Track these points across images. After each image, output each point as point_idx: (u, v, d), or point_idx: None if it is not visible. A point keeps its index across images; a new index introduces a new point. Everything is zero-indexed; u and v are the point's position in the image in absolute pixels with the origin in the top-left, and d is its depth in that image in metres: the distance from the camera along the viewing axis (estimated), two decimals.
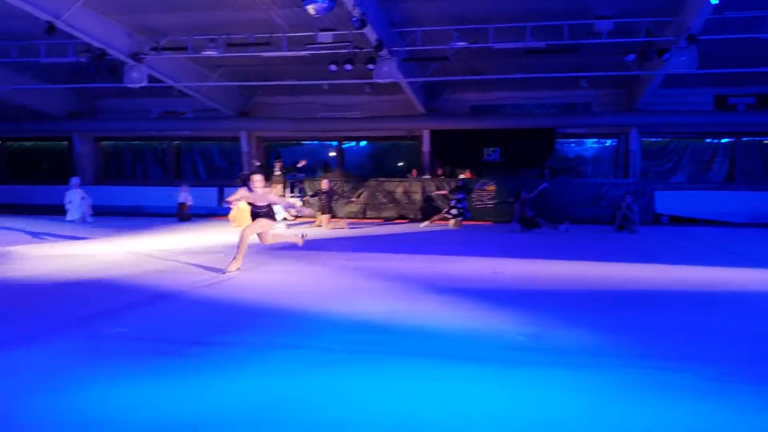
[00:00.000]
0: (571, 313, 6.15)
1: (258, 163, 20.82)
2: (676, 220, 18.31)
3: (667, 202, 18.68)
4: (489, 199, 18.36)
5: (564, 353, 4.75)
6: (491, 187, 18.37)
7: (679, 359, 4.63)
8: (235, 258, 8.45)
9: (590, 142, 21.89)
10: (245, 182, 8.75)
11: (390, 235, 14.50)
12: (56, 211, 17.92)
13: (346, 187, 18.94)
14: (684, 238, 14.19)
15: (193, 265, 9.10)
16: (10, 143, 25.18)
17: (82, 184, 18.61)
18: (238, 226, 14.54)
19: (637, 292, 7.29)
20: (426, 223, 16.73)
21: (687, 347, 4.99)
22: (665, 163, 20.97)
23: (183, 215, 18.42)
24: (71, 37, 15.23)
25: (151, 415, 3.56)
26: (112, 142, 24.46)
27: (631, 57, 15.21)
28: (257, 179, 8.67)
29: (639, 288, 7.58)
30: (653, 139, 21.06)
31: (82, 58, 16.22)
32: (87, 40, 15.33)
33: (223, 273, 8.23)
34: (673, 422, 3.49)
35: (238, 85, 20.81)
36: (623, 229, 15.21)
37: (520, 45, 14.91)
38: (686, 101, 19.33)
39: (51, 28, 14.04)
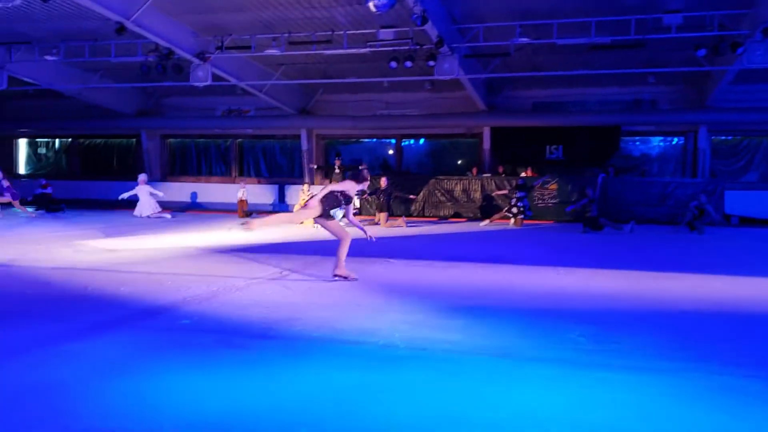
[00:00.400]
0: (634, 317, 6.00)
1: (315, 166, 21.07)
2: (747, 221, 17.64)
3: (737, 202, 18.00)
4: (551, 198, 18.06)
5: (628, 356, 4.63)
6: (553, 186, 18.06)
7: (754, 367, 4.46)
8: (340, 263, 7.77)
9: (656, 140, 21.28)
10: (357, 178, 7.99)
11: (449, 234, 14.41)
12: (125, 205, 18.45)
13: (405, 185, 18.88)
14: (757, 241, 13.65)
15: (254, 260, 9.23)
16: (81, 140, 26.06)
17: (150, 181, 19.13)
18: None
19: (708, 302, 7.06)
20: (486, 221, 16.57)
21: (763, 356, 4.80)
22: (736, 162, 20.22)
23: (243, 212, 18.72)
24: (140, 37, 15.64)
25: (218, 404, 3.62)
26: (178, 140, 25.05)
27: (702, 52, 14.68)
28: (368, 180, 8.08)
29: (712, 298, 7.34)
30: (723, 137, 20.34)
31: (150, 58, 16.65)
32: (155, 39, 15.72)
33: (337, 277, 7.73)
34: (747, 428, 3.36)
35: (300, 83, 21.02)
36: (694, 229, 14.71)
37: (584, 40, 14.60)
38: (761, 97, 18.55)
39: (121, 29, 14.44)
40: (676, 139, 20.84)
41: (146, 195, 17.79)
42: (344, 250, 7.80)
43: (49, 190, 19.51)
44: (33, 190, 19.96)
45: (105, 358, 4.50)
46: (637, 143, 21.34)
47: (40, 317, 5.66)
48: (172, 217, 17.43)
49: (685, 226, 14.98)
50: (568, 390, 3.89)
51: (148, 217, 17.34)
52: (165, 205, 18.33)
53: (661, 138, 21.12)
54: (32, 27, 16.64)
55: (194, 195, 22.96)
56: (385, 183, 16.59)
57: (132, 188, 17.94)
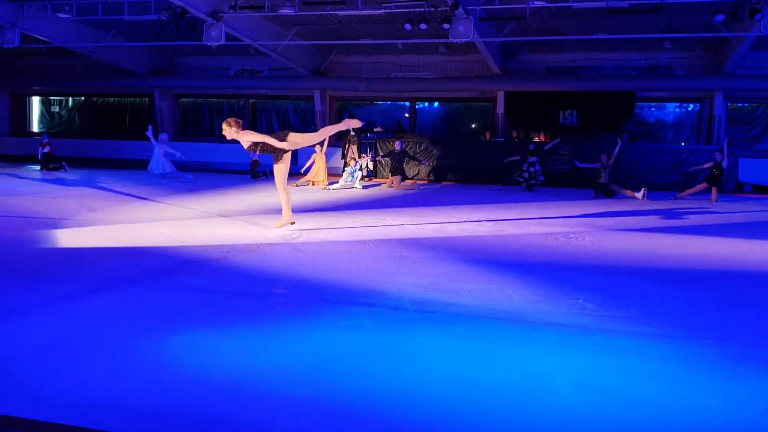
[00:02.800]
0: (641, 282, 6.06)
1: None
2: (760, 190, 17.54)
3: (751, 170, 17.88)
4: (563, 164, 18.00)
5: (635, 322, 4.70)
6: (565, 152, 17.96)
7: (761, 335, 4.53)
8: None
9: (671, 107, 21.08)
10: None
11: (461, 197, 14.44)
12: (138, 165, 18.58)
13: (419, 149, 18.84)
14: None
15: (263, 222, 9.31)
16: (94, 99, 26.09)
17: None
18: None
19: (718, 268, 7.09)
20: (498, 186, 16.57)
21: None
22: (751, 130, 20.03)
23: (255, 173, 18.73)
24: None
25: (233, 363, 3.72)
26: (191, 99, 25.03)
27: (720, 17, 14.48)
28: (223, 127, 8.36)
29: (721, 265, 7.37)
30: (739, 104, 20.14)
31: (164, 16, 16.58)
32: None
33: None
34: (753, 396, 3.43)
35: (313, 44, 20.89)
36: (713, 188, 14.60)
37: (601, 4, 14.40)
38: None
39: None
40: (691, 106, 20.64)
41: (160, 155, 17.81)
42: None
43: (46, 150, 19.29)
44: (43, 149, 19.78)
45: (118, 317, 4.61)
46: (652, 109, 21.16)
47: (52, 276, 5.77)
48: (185, 176, 17.55)
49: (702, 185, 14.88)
50: (576, 354, 3.97)
51: (162, 175, 17.44)
52: (177, 165, 18.41)
53: (677, 104, 20.92)
54: None
55: (207, 155, 22.99)
56: (399, 146, 16.58)
57: (143, 148, 18.00)
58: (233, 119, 8.33)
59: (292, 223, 8.56)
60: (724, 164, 15.06)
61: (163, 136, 18.38)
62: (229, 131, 8.25)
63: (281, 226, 8.50)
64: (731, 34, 16.29)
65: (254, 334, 4.22)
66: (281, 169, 8.45)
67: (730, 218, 11.79)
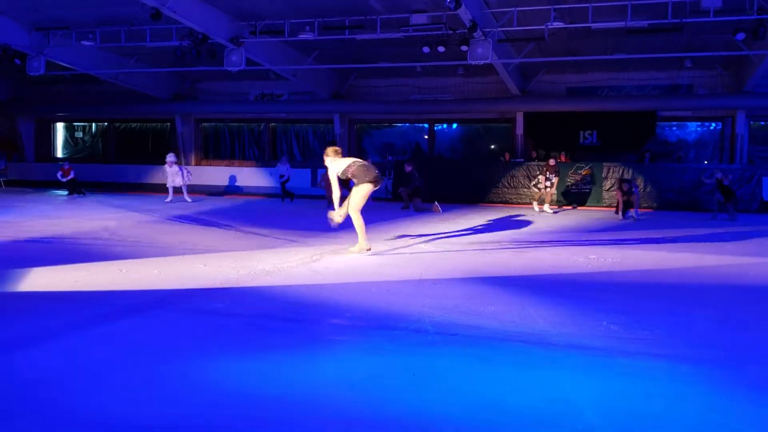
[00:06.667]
0: (665, 303, 5.96)
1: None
2: None
3: None
4: (584, 184, 17.90)
5: (660, 344, 4.61)
6: (586, 171, 17.87)
7: None
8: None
9: (693, 126, 20.93)
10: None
11: (481, 219, 14.38)
12: (160, 189, 18.75)
13: (437, 170, 18.82)
14: None
15: (286, 243, 9.32)
16: (117, 124, 26.46)
17: (186, 164, 19.34)
18: None
19: (742, 288, 6.97)
20: (538, 208, 16.37)
21: None
22: None
23: (286, 193, 18.72)
24: (175, 22, 15.79)
25: (248, 386, 3.70)
26: (212, 124, 25.30)
27: (741, 36, 14.40)
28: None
29: (745, 284, 7.25)
30: (762, 123, 19.96)
31: (185, 43, 16.81)
32: (189, 25, 15.84)
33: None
34: None
35: (333, 68, 21.06)
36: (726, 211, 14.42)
37: (620, 24, 14.39)
38: None
39: (157, 14, 14.60)
40: (713, 125, 20.49)
41: (171, 176, 17.72)
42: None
43: (71, 176, 19.44)
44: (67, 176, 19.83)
45: (143, 341, 4.61)
46: (674, 128, 21.03)
47: (76, 300, 5.81)
48: (190, 200, 17.49)
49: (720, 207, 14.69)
50: (601, 378, 3.90)
51: (173, 200, 17.32)
52: (200, 189, 18.55)
53: (698, 123, 20.78)
54: (69, 12, 16.90)
55: (229, 179, 23.20)
56: (409, 168, 16.51)
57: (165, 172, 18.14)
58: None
59: (368, 249, 8.46)
60: (726, 183, 14.81)
61: (171, 157, 18.02)
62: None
63: (357, 252, 8.42)
64: (752, 53, 16.18)
65: (274, 358, 4.20)
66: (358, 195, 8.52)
67: (755, 237, 11.62)
